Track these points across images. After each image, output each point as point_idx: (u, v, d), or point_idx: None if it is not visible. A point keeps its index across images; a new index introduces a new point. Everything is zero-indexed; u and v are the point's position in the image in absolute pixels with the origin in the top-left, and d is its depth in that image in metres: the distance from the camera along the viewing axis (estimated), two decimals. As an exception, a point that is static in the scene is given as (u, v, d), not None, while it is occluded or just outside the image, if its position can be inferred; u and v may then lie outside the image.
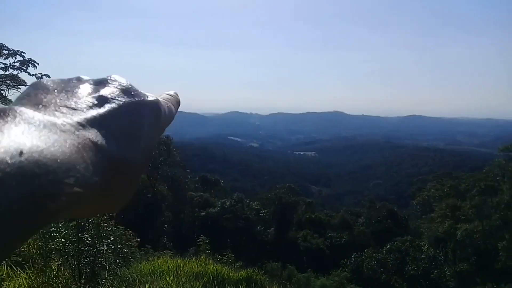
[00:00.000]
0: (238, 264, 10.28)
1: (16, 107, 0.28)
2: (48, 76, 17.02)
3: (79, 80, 0.38)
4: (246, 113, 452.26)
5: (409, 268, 26.86)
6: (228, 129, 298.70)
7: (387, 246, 29.53)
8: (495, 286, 20.63)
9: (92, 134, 0.30)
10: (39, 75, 18.72)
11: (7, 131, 0.24)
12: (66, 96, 0.34)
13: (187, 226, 34.04)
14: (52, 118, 0.29)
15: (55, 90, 0.35)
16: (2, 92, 19.13)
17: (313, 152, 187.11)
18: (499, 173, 26.27)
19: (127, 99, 0.36)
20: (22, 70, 19.17)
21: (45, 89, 0.35)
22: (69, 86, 0.36)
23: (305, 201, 42.75)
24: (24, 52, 19.30)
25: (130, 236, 7.91)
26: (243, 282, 6.25)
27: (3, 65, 19.05)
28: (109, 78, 0.38)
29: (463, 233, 23.98)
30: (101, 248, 4.97)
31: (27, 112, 0.28)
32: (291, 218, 37.35)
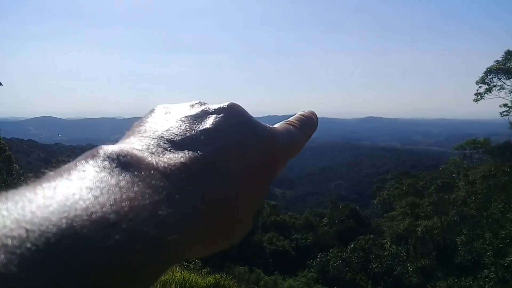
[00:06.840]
0: (205, 270, 10.10)
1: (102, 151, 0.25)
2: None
3: (194, 106, 0.34)
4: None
5: (373, 265, 27.38)
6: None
7: (351, 245, 30.00)
8: (455, 280, 21.38)
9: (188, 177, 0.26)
10: None
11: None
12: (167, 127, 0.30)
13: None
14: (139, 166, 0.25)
15: (157, 120, 0.31)
16: None
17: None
18: (454, 171, 27.37)
19: (237, 137, 0.32)
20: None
21: (150, 118, 0.32)
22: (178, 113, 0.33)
23: (270, 204, 42.92)
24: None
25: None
26: (211, 288, 6.13)
27: None
28: (224, 106, 0.34)
29: (423, 229, 24.73)
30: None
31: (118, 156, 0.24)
32: (256, 222, 37.32)
